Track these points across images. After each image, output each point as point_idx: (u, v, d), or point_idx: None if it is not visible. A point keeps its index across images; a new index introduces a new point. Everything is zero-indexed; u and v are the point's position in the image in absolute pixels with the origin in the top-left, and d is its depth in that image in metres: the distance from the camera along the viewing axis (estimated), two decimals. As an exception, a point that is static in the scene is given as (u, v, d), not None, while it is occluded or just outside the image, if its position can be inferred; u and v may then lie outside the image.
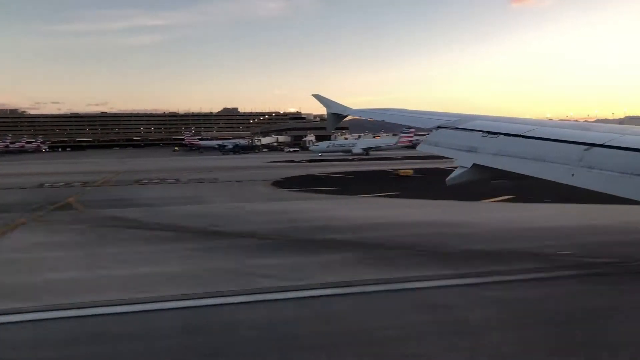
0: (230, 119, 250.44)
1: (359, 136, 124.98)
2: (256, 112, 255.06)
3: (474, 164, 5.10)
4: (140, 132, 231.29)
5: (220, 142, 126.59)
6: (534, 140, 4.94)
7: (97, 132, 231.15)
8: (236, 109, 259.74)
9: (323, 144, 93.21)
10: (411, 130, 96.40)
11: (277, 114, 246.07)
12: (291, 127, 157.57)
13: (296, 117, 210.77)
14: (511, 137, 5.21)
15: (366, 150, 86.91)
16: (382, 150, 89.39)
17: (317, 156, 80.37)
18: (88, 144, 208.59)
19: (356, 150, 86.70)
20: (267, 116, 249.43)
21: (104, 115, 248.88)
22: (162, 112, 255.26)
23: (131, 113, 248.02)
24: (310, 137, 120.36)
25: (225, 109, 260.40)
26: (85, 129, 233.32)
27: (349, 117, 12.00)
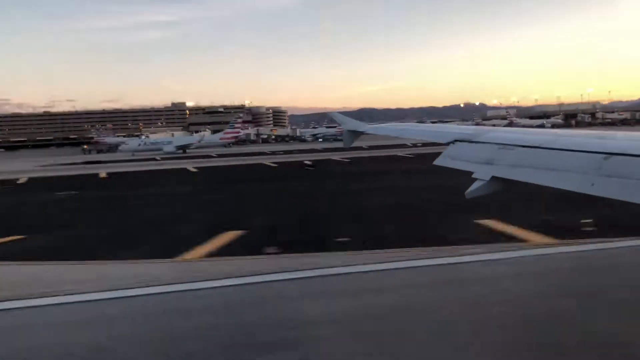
0: (172, 114, 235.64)
1: (196, 132, 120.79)
2: (198, 107, 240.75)
3: (493, 177, 5.11)
4: (84, 130, 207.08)
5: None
6: (551, 150, 4.95)
7: (41, 132, 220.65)
8: (184, 103, 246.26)
9: (134, 142, 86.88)
10: (237, 125, 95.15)
11: (226, 107, 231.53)
12: (196, 121, 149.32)
13: (240, 109, 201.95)
14: (528, 149, 5.23)
15: (182, 148, 79.72)
16: (209, 148, 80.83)
17: (129, 156, 73.02)
18: (22, 143, 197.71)
19: (168, 149, 78.82)
20: (202, 111, 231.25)
21: (47, 114, 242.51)
22: (114, 109, 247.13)
23: (76, 111, 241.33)
24: (205, 132, 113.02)
25: (173, 104, 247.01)
26: (27, 129, 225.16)
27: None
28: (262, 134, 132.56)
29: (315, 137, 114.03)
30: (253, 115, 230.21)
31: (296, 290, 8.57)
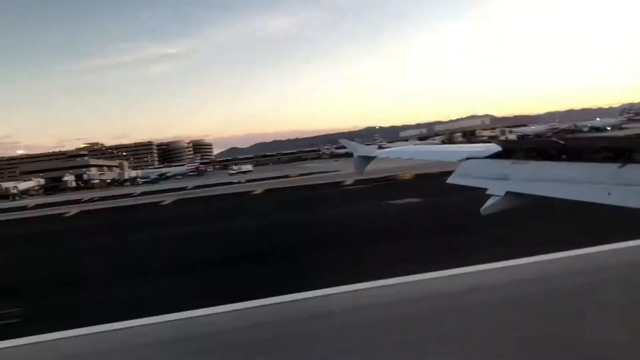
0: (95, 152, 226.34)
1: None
2: (119, 145, 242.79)
3: (507, 192, 5.09)
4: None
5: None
6: (564, 162, 4.93)
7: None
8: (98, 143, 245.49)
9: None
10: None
11: (136, 144, 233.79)
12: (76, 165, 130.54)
13: (145, 145, 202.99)
14: (542, 162, 5.21)
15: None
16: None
17: None
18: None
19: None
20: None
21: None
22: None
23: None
24: (69, 177, 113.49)
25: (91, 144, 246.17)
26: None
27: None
28: (91, 178, 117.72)
29: (159, 177, 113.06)
30: (170, 151, 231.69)
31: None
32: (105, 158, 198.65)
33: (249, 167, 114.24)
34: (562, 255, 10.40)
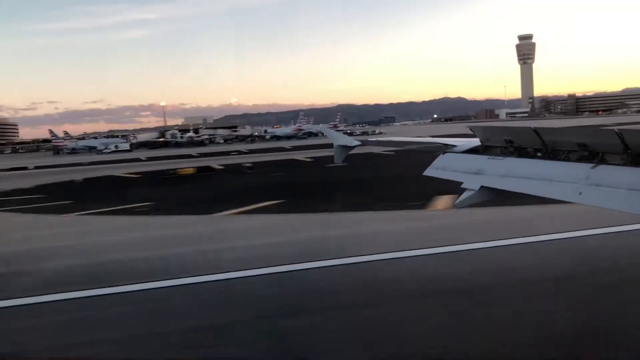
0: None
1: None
2: None
3: (482, 186, 5.13)
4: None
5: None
6: (540, 161, 4.97)
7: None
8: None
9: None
10: None
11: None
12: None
13: None
14: (518, 159, 5.25)
15: None
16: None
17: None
18: None
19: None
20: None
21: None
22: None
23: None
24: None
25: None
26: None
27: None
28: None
29: None
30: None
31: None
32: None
33: (126, 145, 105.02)
34: (547, 238, 10.68)
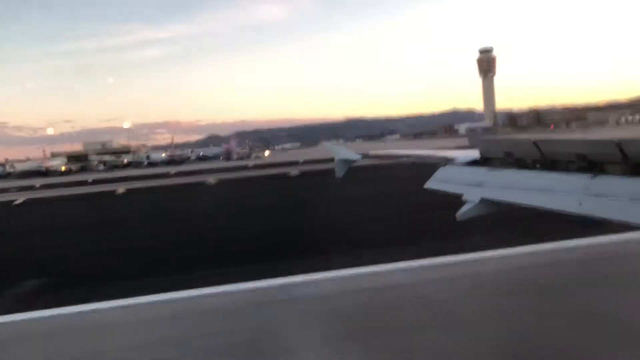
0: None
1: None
2: None
3: (482, 198, 5.14)
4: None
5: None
6: (540, 172, 4.98)
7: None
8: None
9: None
10: None
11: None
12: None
13: None
14: (518, 170, 5.27)
15: None
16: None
17: None
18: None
19: None
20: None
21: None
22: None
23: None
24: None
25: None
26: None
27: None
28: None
29: None
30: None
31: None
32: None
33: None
34: (552, 246, 10.73)
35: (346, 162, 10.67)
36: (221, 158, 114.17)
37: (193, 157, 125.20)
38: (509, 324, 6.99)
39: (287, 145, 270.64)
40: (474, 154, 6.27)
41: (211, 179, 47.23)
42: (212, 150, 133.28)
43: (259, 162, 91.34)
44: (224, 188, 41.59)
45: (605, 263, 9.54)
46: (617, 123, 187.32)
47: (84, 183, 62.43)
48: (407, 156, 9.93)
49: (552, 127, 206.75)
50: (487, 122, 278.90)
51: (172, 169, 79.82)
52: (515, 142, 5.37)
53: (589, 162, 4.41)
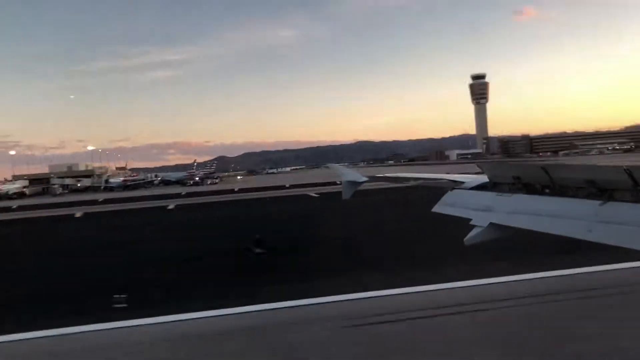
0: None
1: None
2: None
3: (490, 223, 5.11)
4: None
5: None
6: (549, 197, 4.97)
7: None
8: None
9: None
10: None
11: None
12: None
13: None
14: (526, 195, 5.25)
15: None
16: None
17: None
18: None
19: None
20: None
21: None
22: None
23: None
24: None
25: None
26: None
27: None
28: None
29: None
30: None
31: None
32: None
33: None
34: (559, 273, 10.71)
35: (353, 184, 10.67)
36: (191, 183, 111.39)
37: (157, 181, 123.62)
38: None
39: (274, 170, 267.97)
40: (482, 178, 6.25)
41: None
42: (176, 175, 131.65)
43: (213, 188, 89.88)
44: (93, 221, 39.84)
45: (614, 291, 9.40)
46: (601, 152, 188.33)
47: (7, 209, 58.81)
48: (415, 179, 9.91)
49: (540, 155, 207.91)
50: (478, 149, 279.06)
51: (120, 194, 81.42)
52: (524, 166, 5.36)
53: (598, 188, 4.39)
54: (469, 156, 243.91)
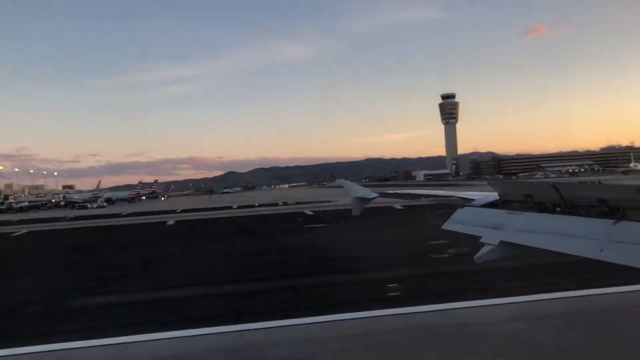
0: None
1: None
2: None
3: (501, 241, 5.08)
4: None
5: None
6: (560, 216, 4.93)
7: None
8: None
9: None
10: None
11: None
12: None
13: None
14: (537, 214, 5.22)
15: None
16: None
17: None
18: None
19: None
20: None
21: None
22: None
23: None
24: None
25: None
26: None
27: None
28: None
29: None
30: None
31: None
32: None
33: None
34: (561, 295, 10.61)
35: (362, 200, 10.64)
36: (95, 206, 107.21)
37: (62, 203, 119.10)
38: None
39: (238, 188, 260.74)
40: (493, 195, 6.22)
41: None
42: (82, 196, 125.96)
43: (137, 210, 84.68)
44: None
45: (626, 313, 9.27)
46: (570, 173, 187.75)
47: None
48: (426, 196, 9.88)
49: (501, 176, 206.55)
50: (447, 169, 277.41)
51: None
52: (534, 184, 5.34)
53: (610, 207, 4.35)
54: (431, 177, 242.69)
